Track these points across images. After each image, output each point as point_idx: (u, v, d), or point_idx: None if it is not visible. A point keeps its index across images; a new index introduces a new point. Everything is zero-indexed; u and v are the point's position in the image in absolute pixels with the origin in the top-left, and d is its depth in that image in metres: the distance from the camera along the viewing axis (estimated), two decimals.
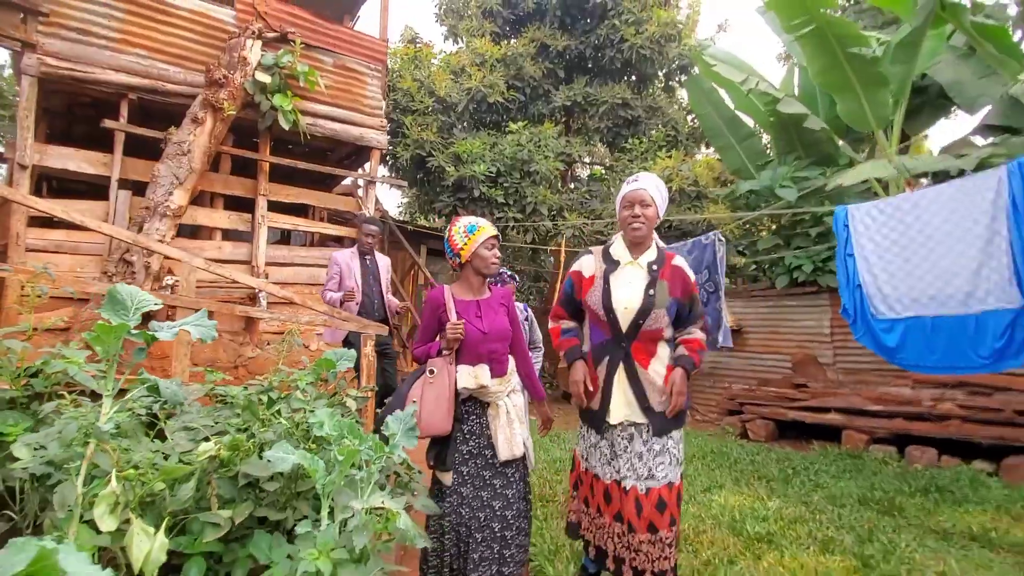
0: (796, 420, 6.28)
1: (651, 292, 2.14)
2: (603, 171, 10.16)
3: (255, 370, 4.70)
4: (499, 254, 2.37)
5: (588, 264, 2.31)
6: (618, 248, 2.29)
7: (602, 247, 2.37)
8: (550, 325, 2.43)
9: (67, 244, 4.45)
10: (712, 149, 9.43)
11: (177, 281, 4.40)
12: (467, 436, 2.28)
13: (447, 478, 2.24)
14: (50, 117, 5.11)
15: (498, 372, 2.30)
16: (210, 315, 2.60)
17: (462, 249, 2.29)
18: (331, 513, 1.92)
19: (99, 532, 1.19)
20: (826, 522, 3.55)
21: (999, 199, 2.65)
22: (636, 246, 2.24)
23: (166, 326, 2.09)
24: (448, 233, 2.35)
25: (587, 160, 10.98)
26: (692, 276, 2.25)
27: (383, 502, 1.86)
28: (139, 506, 1.31)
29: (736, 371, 7.79)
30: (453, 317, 2.23)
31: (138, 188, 4.74)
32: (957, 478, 4.54)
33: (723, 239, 5.68)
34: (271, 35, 5.28)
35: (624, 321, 2.15)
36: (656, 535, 2.07)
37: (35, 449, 1.95)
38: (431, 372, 2.24)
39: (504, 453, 2.24)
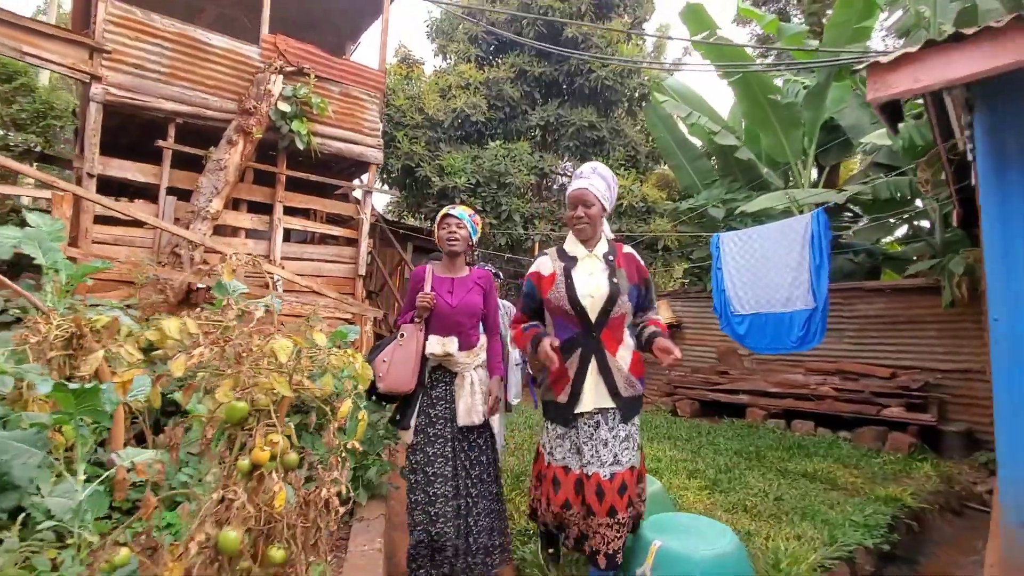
0: (715, 400, 7.63)
1: (614, 280, 2.15)
2: None
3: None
4: (456, 232, 2.47)
5: (545, 264, 2.28)
6: (571, 245, 2.29)
7: (555, 247, 2.37)
8: (510, 334, 2.35)
9: (124, 238, 5.52)
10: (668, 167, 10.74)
11: (214, 269, 5.52)
12: (435, 401, 2.44)
13: (407, 436, 2.42)
14: (102, 132, 6.14)
15: (466, 345, 2.44)
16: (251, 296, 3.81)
17: (436, 236, 2.61)
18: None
19: None
20: (701, 463, 4.85)
21: (806, 235, 3.93)
22: (586, 241, 2.26)
23: (255, 303, 3.30)
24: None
25: (561, 172, 12.21)
26: (642, 262, 2.32)
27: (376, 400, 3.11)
28: None
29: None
30: (427, 289, 2.44)
31: (180, 194, 5.83)
32: (820, 442, 5.90)
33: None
34: (290, 69, 6.39)
35: (592, 311, 2.13)
36: (615, 518, 2.06)
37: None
38: (401, 336, 2.42)
39: (463, 419, 2.39)
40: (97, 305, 3.46)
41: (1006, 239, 2.34)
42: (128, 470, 2.17)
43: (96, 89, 5.36)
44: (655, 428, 6.52)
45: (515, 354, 3.33)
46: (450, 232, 2.47)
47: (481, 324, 2.58)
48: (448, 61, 11.78)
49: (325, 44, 7.79)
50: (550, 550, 2.46)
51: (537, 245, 9.26)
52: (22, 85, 6.10)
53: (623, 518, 2.08)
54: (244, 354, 1.22)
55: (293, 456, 1.29)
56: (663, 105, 8.85)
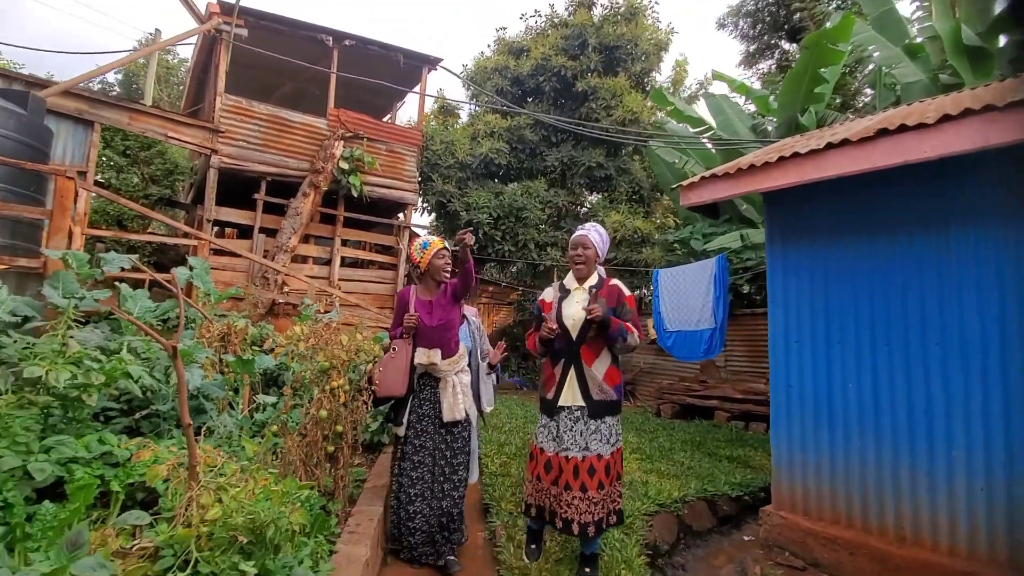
0: (691, 404, 8.94)
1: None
2: (600, 208, 12.84)
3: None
4: (449, 263, 2.90)
5: (548, 293, 2.88)
6: (570, 280, 2.83)
7: (559, 282, 2.91)
8: (528, 342, 2.91)
9: (229, 266, 7.56)
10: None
11: (291, 290, 7.47)
12: (422, 401, 2.91)
13: (399, 430, 2.93)
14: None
15: (447, 354, 2.92)
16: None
17: (420, 262, 2.95)
18: None
19: None
20: (647, 446, 6.27)
21: (711, 274, 5.35)
22: (581, 277, 2.79)
23: (326, 315, 5.16)
24: (410, 251, 3.09)
25: (578, 205, 13.74)
26: (627, 292, 2.79)
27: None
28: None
29: (666, 371, 10.45)
30: (411, 311, 2.87)
31: (267, 232, 7.85)
32: (761, 438, 7.14)
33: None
34: (348, 135, 8.35)
35: (573, 330, 2.67)
36: (585, 494, 2.58)
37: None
38: (393, 350, 2.88)
39: (447, 416, 2.88)
40: (224, 315, 5.36)
41: (773, 292, 3.78)
42: (260, 408, 3.96)
43: (214, 159, 7.47)
44: (630, 423, 7.94)
45: (485, 365, 3.71)
46: (446, 262, 2.95)
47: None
48: (479, 108, 13.66)
49: (377, 105, 9.78)
50: (532, 545, 2.90)
51: (556, 272, 10.83)
52: (157, 152, 8.33)
53: (593, 495, 2.57)
54: (328, 341, 2.94)
55: (347, 386, 3.00)
56: (659, 151, 10.31)
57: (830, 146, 2.94)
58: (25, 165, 4.09)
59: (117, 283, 4.54)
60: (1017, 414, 2.73)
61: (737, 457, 6.04)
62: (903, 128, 2.68)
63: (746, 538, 4.36)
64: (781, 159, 3.18)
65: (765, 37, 13.58)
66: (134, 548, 1.82)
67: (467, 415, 2.98)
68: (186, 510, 2.01)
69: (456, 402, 2.89)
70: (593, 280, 2.77)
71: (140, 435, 3.21)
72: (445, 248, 2.98)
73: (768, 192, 3.52)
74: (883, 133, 2.74)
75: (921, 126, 2.62)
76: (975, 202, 2.88)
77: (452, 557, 2.90)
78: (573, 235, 2.84)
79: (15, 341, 2.91)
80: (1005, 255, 2.77)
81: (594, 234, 2.80)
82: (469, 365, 3.13)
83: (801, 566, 3.39)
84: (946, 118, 2.55)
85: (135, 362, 3.08)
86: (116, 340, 3.81)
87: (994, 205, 2.81)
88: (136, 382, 2.95)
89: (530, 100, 12.39)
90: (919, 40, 7.52)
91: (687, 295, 5.52)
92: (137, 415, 3.30)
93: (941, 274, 3.01)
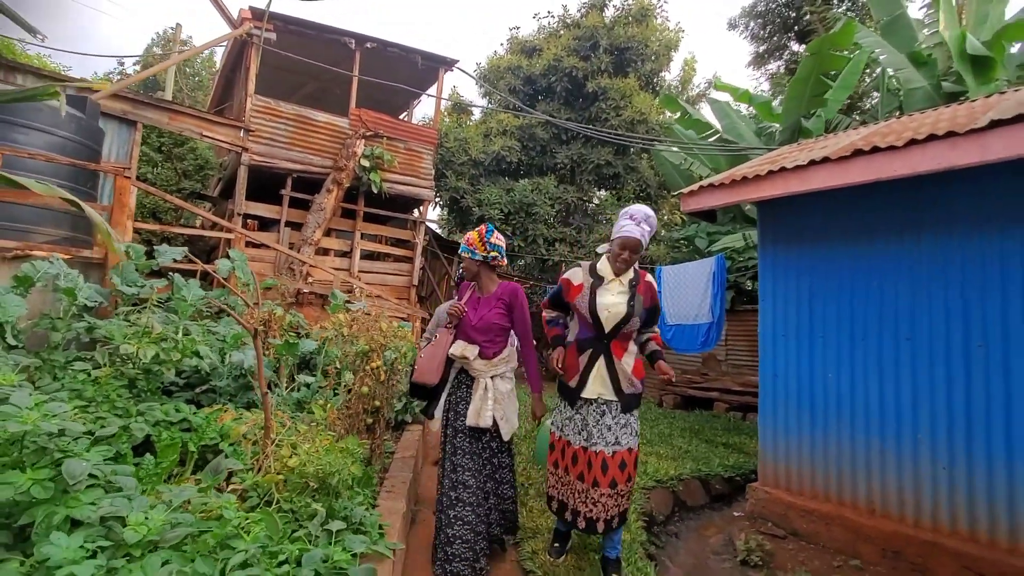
0: (692, 396, 9.33)
1: (632, 303, 2.57)
2: (608, 205, 13.22)
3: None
4: (467, 261, 2.83)
5: (577, 275, 2.70)
6: (604, 267, 2.67)
7: (590, 263, 2.74)
8: (543, 312, 2.89)
9: (257, 256, 8.02)
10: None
11: (314, 280, 7.92)
12: (459, 400, 2.80)
13: (433, 425, 2.89)
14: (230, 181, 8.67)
15: (485, 355, 2.74)
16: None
17: None
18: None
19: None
20: (648, 432, 6.68)
21: (710, 272, 5.73)
22: (619, 273, 2.67)
23: (355, 305, 5.61)
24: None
25: (587, 201, 14.10)
26: (657, 290, 2.71)
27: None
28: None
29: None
30: (463, 301, 2.87)
31: (293, 226, 8.29)
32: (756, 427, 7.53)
33: None
34: (369, 134, 8.76)
35: (608, 324, 2.55)
36: (615, 489, 2.52)
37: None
38: (435, 336, 2.90)
39: (470, 420, 2.64)
40: (258, 303, 5.80)
41: (764, 289, 4.17)
42: (297, 387, 4.41)
43: (244, 157, 7.91)
44: None
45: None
46: (464, 262, 2.89)
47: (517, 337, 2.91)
48: (492, 104, 14.01)
49: (395, 103, 10.17)
50: (556, 544, 2.87)
51: (564, 265, 11.21)
52: (189, 148, 8.79)
53: (622, 489, 2.55)
54: (369, 327, 3.38)
55: (382, 365, 3.44)
56: (664, 154, 10.64)
57: (813, 163, 3.32)
58: (89, 166, 4.54)
59: (171, 273, 5.00)
60: (976, 402, 3.10)
61: (733, 444, 6.44)
62: (876, 149, 3.04)
63: (736, 513, 4.77)
64: (770, 172, 3.55)
65: (775, 38, 13.80)
66: (228, 490, 2.26)
67: (495, 427, 2.72)
68: (264, 461, 2.46)
69: (484, 407, 2.66)
70: (630, 274, 2.66)
71: (201, 407, 3.67)
72: (465, 250, 2.81)
73: (760, 201, 3.90)
74: (858, 153, 3.11)
75: (891, 148, 2.99)
76: (944, 214, 3.25)
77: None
78: (626, 231, 2.56)
79: (111, 322, 3.37)
80: (969, 262, 3.14)
81: (647, 233, 2.61)
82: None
83: (782, 535, 3.80)
84: (912, 142, 2.92)
85: (200, 343, 3.54)
86: (173, 324, 4.27)
87: (961, 217, 3.18)
88: (203, 360, 3.40)
89: (541, 99, 12.73)
90: (926, 47, 7.78)
91: (687, 291, 5.91)
92: (197, 389, 3.76)
93: (912, 278, 3.38)
